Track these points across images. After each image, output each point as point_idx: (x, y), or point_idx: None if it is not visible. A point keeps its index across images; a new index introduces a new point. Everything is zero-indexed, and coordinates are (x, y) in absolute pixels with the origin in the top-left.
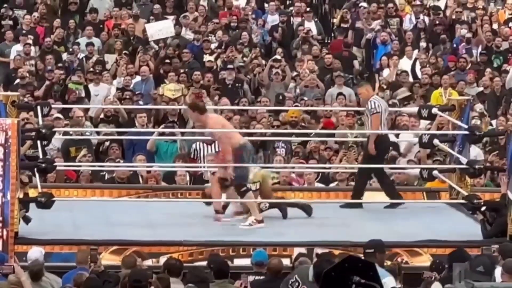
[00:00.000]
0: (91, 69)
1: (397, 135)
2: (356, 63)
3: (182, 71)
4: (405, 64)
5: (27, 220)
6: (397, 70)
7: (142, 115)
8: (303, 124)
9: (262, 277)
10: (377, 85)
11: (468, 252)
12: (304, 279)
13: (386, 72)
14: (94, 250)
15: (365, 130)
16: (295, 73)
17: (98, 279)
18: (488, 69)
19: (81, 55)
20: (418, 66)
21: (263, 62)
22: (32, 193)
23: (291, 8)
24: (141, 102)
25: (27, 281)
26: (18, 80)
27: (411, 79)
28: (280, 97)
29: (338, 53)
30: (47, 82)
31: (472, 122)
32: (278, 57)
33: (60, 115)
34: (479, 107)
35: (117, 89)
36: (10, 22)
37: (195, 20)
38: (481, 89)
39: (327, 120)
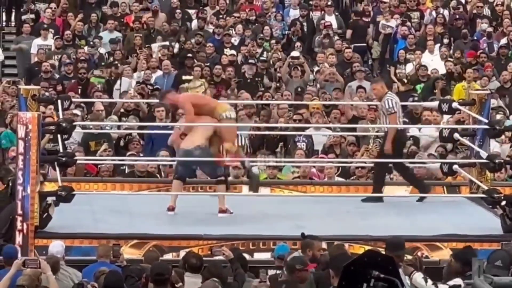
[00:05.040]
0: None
1: (419, 129)
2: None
3: (204, 65)
4: (427, 58)
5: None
6: (416, 64)
7: (160, 109)
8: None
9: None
10: (394, 78)
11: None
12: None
13: (409, 67)
14: (117, 245)
15: (381, 126)
16: (316, 68)
17: (119, 273)
18: (511, 64)
19: (103, 50)
20: (439, 61)
21: (284, 56)
22: (52, 186)
23: (311, 2)
24: None
25: (52, 276)
26: (42, 74)
27: (429, 73)
28: (299, 89)
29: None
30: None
31: (498, 117)
32: (296, 53)
33: (77, 112)
34: (493, 101)
35: (137, 82)
36: (32, 16)
37: (215, 14)
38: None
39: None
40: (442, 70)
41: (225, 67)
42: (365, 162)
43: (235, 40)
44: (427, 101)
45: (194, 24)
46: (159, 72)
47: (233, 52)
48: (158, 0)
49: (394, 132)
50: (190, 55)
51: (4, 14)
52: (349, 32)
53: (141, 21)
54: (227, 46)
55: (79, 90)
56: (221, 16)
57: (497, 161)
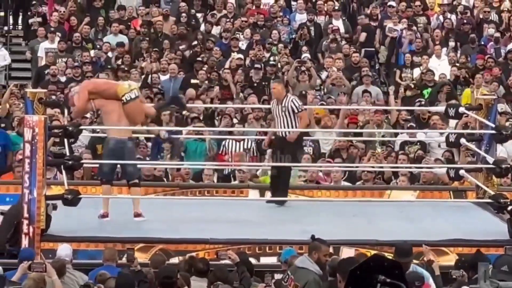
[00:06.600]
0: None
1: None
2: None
3: (213, 69)
4: (434, 63)
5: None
6: (423, 69)
7: (166, 113)
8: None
9: None
10: (404, 82)
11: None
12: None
13: (416, 72)
14: (131, 249)
15: (283, 126)
16: (325, 73)
17: (130, 276)
18: None
19: (110, 54)
20: (446, 65)
21: (292, 60)
22: (59, 190)
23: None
24: None
25: (58, 280)
26: (49, 77)
27: (436, 78)
28: (304, 92)
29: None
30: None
31: (507, 123)
32: (306, 55)
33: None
34: (500, 106)
35: (144, 87)
36: (39, 19)
37: (224, 17)
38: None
39: (352, 117)
40: (449, 75)
41: (232, 71)
42: (372, 167)
43: (243, 44)
44: (434, 106)
45: (202, 28)
46: (166, 76)
47: (241, 56)
48: (165, 4)
49: (304, 126)
50: (199, 59)
51: (11, 17)
52: (363, 36)
53: (149, 25)
54: (235, 50)
55: None
56: (228, 20)
57: (503, 166)
